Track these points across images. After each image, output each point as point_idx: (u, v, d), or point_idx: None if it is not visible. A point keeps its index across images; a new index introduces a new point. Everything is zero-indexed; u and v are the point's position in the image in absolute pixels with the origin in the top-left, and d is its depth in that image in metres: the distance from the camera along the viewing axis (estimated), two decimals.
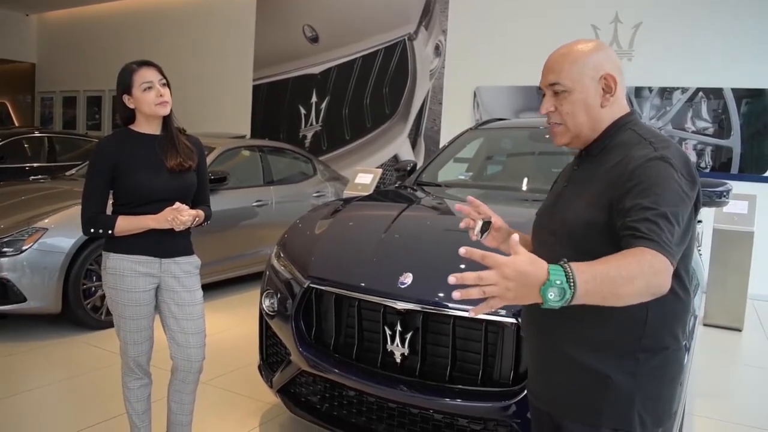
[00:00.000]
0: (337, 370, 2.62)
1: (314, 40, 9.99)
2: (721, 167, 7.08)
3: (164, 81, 2.46)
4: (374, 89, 9.51)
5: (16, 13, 14.18)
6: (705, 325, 5.65)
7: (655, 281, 1.25)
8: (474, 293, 1.16)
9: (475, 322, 2.39)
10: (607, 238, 1.41)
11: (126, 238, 2.43)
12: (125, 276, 2.44)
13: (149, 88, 2.40)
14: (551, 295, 1.17)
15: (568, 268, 1.19)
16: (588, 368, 1.49)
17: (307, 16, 10.06)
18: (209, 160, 5.66)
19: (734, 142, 7.02)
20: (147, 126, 2.49)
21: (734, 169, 7.01)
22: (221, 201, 5.60)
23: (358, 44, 9.57)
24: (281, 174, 6.81)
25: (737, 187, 6.08)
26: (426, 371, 2.48)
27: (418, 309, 2.45)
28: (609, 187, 1.43)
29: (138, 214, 2.42)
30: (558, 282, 1.17)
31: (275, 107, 10.52)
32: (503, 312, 2.31)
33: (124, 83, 2.43)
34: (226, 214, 5.72)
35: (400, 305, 2.46)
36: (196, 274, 2.61)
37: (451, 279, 1.16)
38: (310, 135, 10.14)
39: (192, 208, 2.54)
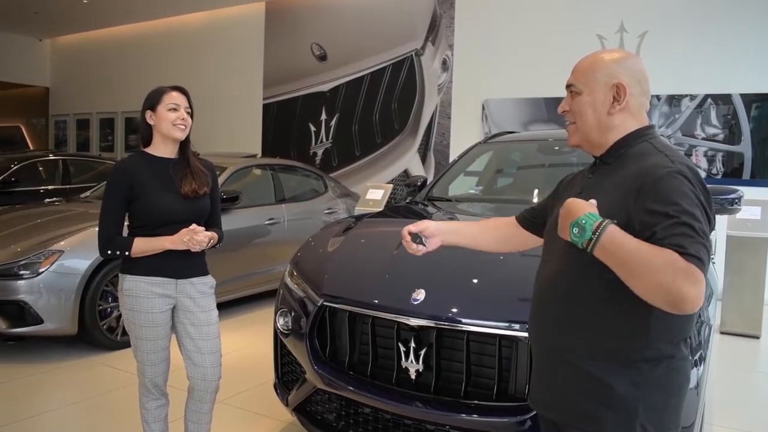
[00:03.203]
0: (352, 388, 2.63)
1: (322, 58, 10.08)
2: (733, 173, 7.05)
3: (190, 110, 2.53)
4: (383, 105, 9.57)
5: (30, 38, 14.42)
6: (722, 333, 5.60)
7: (676, 289, 1.26)
8: None
9: (488, 337, 2.40)
10: None
11: (142, 259, 2.46)
12: (142, 297, 2.47)
13: (174, 109, 2.47)
14: (575, 230, 1.40)
15: (601, 225, 1.37)
16: (591, 377, 1.50)
17: (315, 34, 10.16)
18: (221, 180, 5.71)
19: (745, 147, 7.00)
20: (163, 149, 2.54)
21: (746, 174, 6.98)
22: (234, 220, 5.65)
23: (366, 61, 9.65)
24: (292, 192, 6.86)
25: (750, 192, 6.05)
26: (441, 387, 2.48)
27: (432, 325, 2.45)
28: (626, 194, 1.45)
29: (154, 236, 2.46)
30: (583, 222, 1.38)
31: (286, 125, 10.60)
32: (517, 326, 2.32)
33: (152, 100, 2.49)
34: (239, 233, 5.76)
35: (414, 321, 2.47)
36: (212, 294, 2.64)
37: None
38: (320, 152, 10.20)
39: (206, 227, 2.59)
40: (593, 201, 1.43)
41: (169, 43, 12.30)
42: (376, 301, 2.63)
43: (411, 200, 4.38)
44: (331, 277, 2.90)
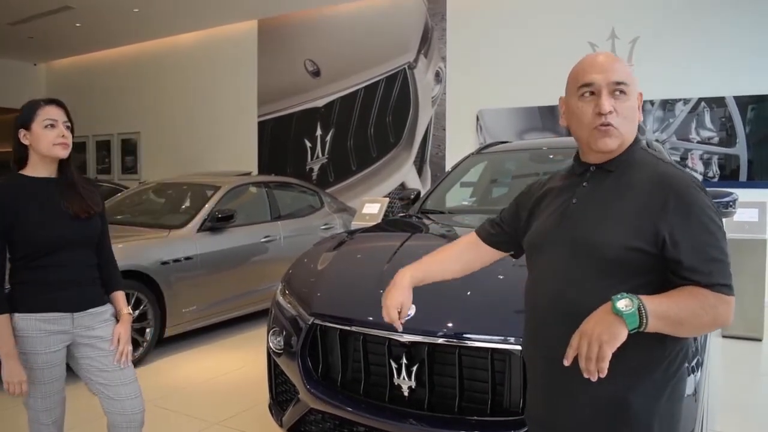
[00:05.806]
0: (345, 407, 2.59)
1: (316, 73, 10.10)
2: (730, 175, 7.03)
3: (69, 124, 2.27)
4: (377, 119, 9.58)
5: (25, 63, 14.48)
6: (724, 336, 5.56)
7: (718, 321, 1.36)
8: (587, 363, 1.31)
9: (481, 351, 2.37)
10: (649, 263, 1.41)
11: (31, 293, 2.21)
12: (33, 337, 2.20)
13: (52, 125, 2.21)
14: (623, 306, 1.28)
15: (641, 307, 1.30)
16: (607, 394, 1.45)
17: (308, 50, 10.20)
18: (215, 199, 5.71)
19: (740, 149, 6.98)
20: (42, 169, 2.26)
21: (742, 176, 6.96)
22: (230, 239, 5.62)
23: (360, 75, 9.68)
24: (288, 208, 6.84)
25: (747, 194, 6.04)
26: (434, 403, 2.44)
27: (423, 340, 2.42)
28: (650, 206, 1.43)
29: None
30: (620, 296, 1.30)
31: (281, 142, 10.62)
32: (512, 340, 2.29)
33: (25, 117, 2.23)
34: (235, 252, 5.73)
35: (405, 338, 2.44)
36: (113, 321, 2.40)
37: (566, 363, 1.36)
38: (316, 168, 10.21)
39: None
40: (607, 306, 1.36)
41: (163, 63, 12.34)
42: (366, 318, 2.60)
43: (405, 214, 4.36)
44: (322, 294, 2.87)
